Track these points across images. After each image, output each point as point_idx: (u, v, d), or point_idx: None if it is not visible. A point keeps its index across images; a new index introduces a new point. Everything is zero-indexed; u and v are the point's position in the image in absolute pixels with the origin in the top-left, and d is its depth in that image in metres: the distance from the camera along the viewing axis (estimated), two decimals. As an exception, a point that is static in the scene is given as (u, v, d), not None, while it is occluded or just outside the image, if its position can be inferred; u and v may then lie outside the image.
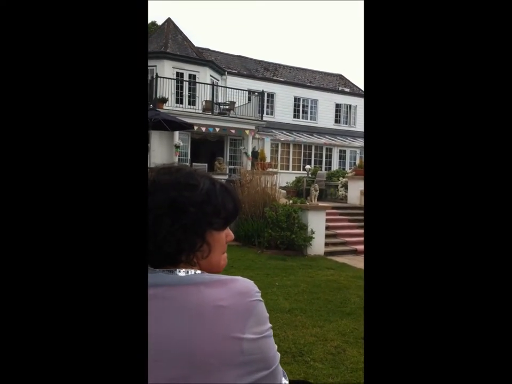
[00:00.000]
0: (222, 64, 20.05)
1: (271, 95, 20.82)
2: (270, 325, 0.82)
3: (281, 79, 22.06)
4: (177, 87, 15.90)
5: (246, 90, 16.99)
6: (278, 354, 0.83)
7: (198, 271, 0.84)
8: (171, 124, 11.21)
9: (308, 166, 16.80)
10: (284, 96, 21.31)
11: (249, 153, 15.51)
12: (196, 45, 18.82)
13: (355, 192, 12.58)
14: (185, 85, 16.22)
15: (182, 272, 0.82)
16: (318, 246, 9.15)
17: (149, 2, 0.85)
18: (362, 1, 0.85)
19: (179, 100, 15.89)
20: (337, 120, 23.04)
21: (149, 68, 14.97)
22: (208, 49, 21.34)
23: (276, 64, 23.99)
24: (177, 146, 14.06)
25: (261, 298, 0.82)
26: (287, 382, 0.87)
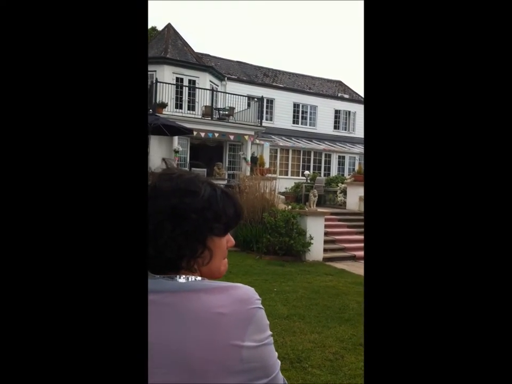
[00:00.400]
0: (222, 69, 20.11)
1: (270, 101, 20.88)
2: (270, 333, 0.81)
3: (280, 85, 22.12)
4: (176, 92, 15.94)
5: (245, 96, 17.02)
6: (279, 362, 0.82)
7: (199, 278, 0.84)
8: (170, 129, 11.22)
9: (306, 172, 16.82)
10: (283, 102, 21.37)
11: (248, 158, 15.50)
12: (195, 51, 18.89)
13: (354, 198, 12.61)
14: (185, 90, 16.26)
15: (182, 279, 0.82)
16: (316, 251, 9.14)
17: (148, 6, 0.85)
18: (363, 6, 0.85)
19: (178, 105, 15.92)
20: (336, 126, 23.08)
21: (148, 72, 15.00)
22: (208, 55, 21.40)
23: (275, 70, 24.07)
24: (176, 151, 14.06)
25: (261, 306, 0.82)
26: None
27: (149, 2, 0.86)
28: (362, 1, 0.86)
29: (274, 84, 22.12)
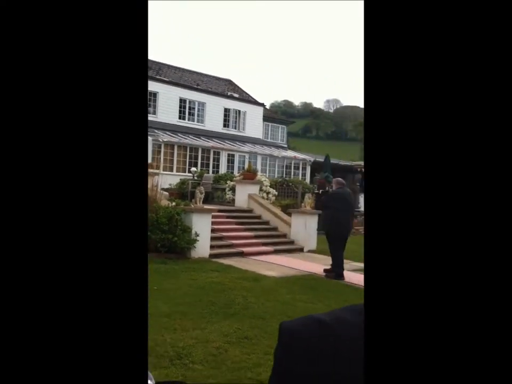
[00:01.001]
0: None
1: (153, 94, 20.10)
2: None
3: (165, 79, 21.42)
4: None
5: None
6: None
7: None
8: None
9: (193, 169, 16.59)
10: (168, 96, 20.72)
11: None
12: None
13: (243, 195, 12.74)
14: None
15: None
16: (202, 248, 9.04)
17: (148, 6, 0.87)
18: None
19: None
20: (226, 125, 23.14)
21: None
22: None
23: (159, 63, 23.25)
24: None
25: None
26: (152, 383, 0.87)
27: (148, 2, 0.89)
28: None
29: (157, 77, 21.32)
